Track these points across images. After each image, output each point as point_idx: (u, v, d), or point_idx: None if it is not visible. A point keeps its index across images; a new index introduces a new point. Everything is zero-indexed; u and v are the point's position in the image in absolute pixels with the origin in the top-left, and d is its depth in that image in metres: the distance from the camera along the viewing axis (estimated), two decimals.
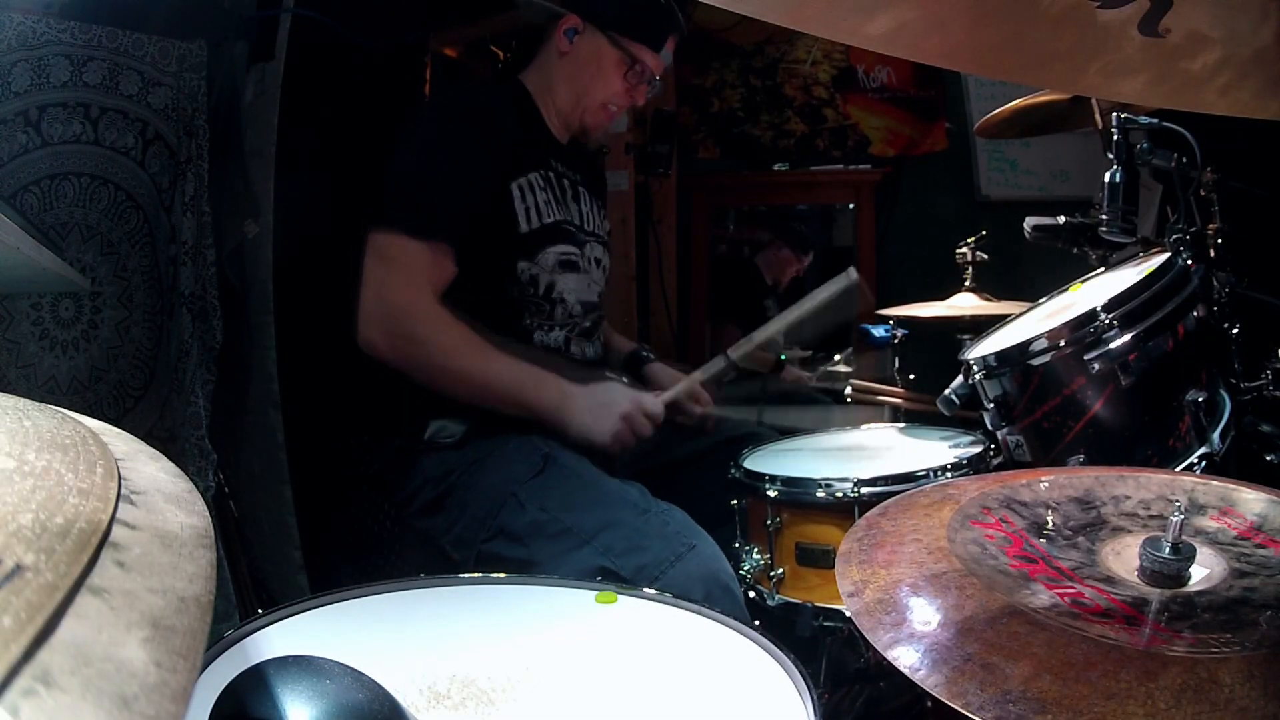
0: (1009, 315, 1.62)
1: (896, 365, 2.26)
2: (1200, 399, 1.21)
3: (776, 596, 1.48)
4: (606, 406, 1.51)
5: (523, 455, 1.50)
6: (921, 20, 0.45)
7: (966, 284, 2.16)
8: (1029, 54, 0.47)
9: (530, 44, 1.75)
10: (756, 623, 0.83)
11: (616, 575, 1.27)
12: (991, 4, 0.45)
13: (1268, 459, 1.28)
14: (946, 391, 1.50)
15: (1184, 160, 1.43)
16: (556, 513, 1.40)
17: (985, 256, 2.18)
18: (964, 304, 2.11)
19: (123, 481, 0.36)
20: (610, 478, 1.50)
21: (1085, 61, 0.47)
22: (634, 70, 1.66)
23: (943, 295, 2.16)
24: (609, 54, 1.65)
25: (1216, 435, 1.22)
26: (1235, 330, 1.37)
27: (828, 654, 1.55)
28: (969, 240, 2.18)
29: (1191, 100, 0.52)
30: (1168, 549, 0.71)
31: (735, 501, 1.59)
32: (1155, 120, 1.43)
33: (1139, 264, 1.44)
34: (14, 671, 0.23)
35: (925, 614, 0.69)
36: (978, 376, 1.38)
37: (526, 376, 1.51)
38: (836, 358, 3.11)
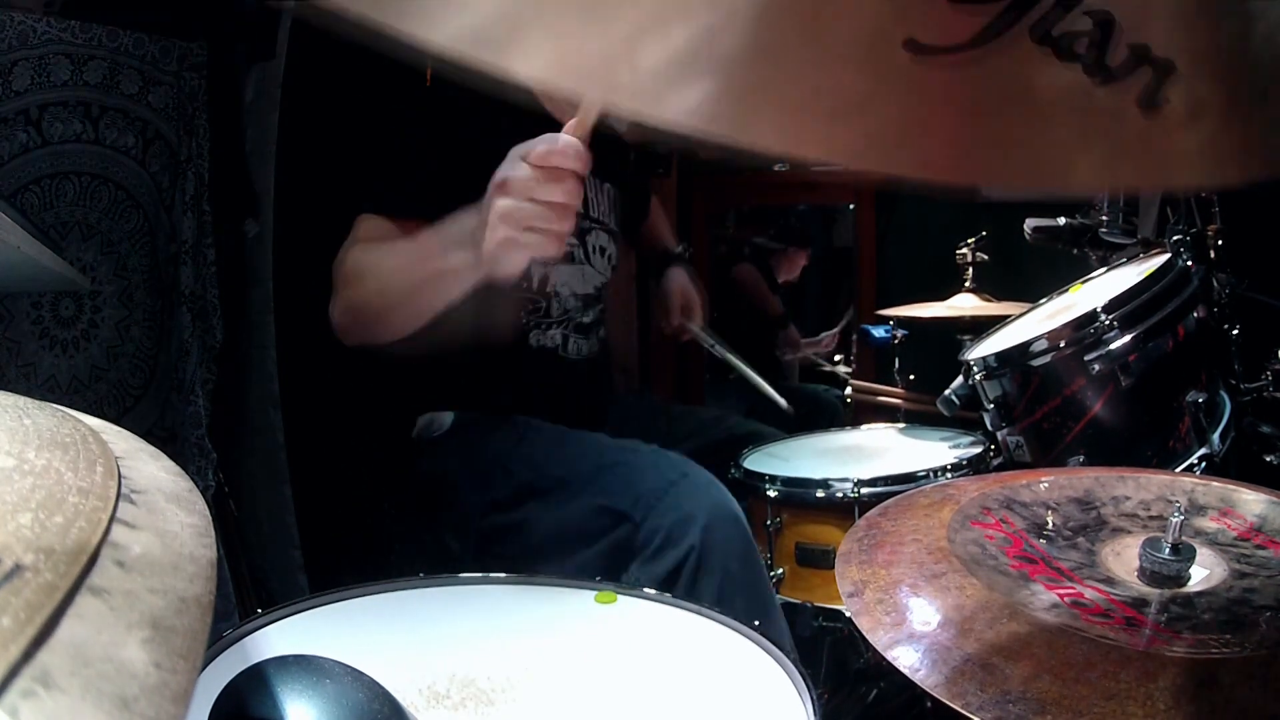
0: (1009, 316, 1.62)
1: (896, 365, 2.26)
2: (1200, 400, 1.21)
3: (776, 596, 1.48)
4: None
5: (503, 432, 1.49)
6: (898, 126, 0.39)
7: (966, 284, 2.16)
8: (1016, 153, 0.42)
9: None
10: (756, 623, 0.83)
11: (614, 511, 1.26)
12: (982, 95, 0.40)
13: (1268, 460, 1.28)
14: (946, 392, 1.50)
15: None
16: (546, 469, 1.38)
17: (985, 257, 2.18)
18: (964, 304, 2.11)
19: (123, 480, 0.36)
20: (594, 433, 1.49)
21: (1078, 153, 0.42)
22: None
23: (943, 296, 2.16)
24: None
25: (1216, 436, 1.22)
26: (1235, 331, 1.37)
27: (828, 654, 1.55)
28: (969, 241, 2.18)
29: (1173, 178, 0.50)
30: (1168, 550, 0.71)
31: None
32: None
33: (1139, 265, 1.43)
34: (13, 672, 0.23)
35: (925, 614, 0.68)
36: (978, 377, 1.38)
37: (438, 237, 1.22)
38: (837, 358, 3.12)
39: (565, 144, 0.97)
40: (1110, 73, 0.40)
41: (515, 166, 1.00)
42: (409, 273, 1.25)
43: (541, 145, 0.98)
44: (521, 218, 1.00)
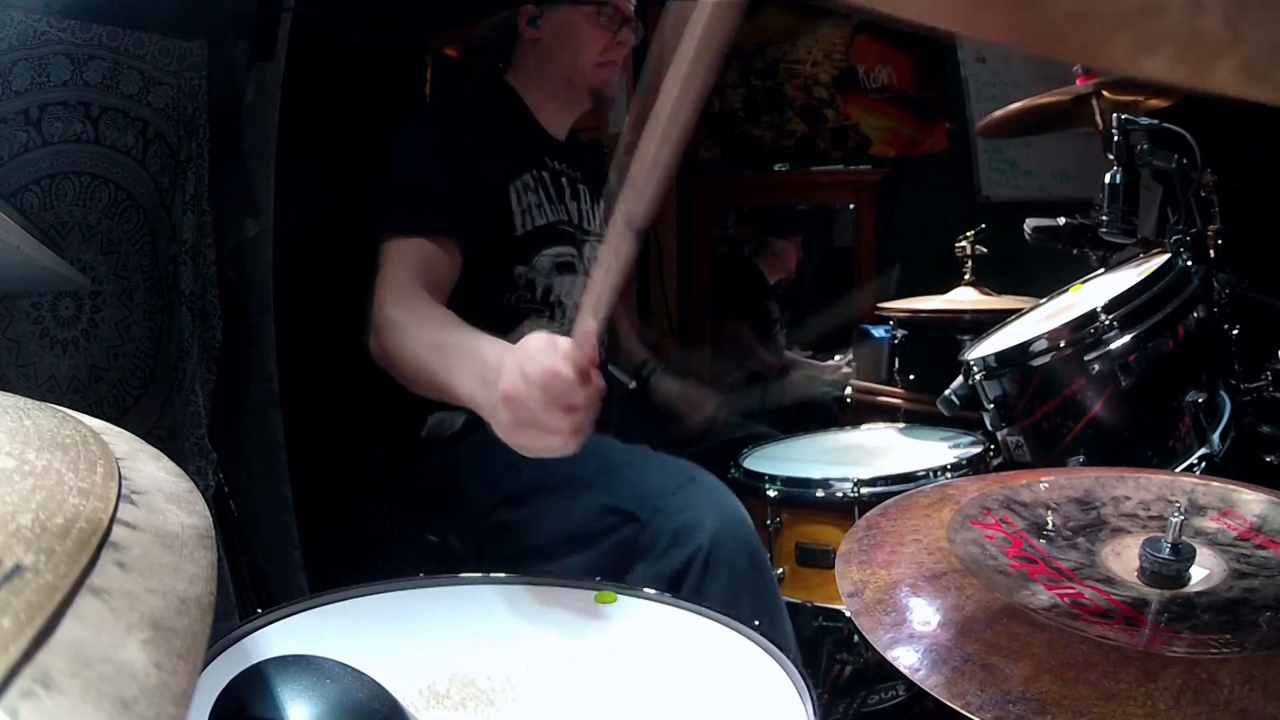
0: (1009, 314, 1.62)
1: (896, 365, 2.26)
2: (1200, 400, 1.21)
3: (783, 599, 1.48)
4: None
5: None
6: None
7: (966, 278, 2.16)
8: (1043, 17, 0.36)
9: (504, 47, 1.74)
10: (757, 623, 0.83)
11: (621, 510, 1.26)
12: None
13: (1268, 460, 1.28)
14: (946, 392, 1.50)
15: (1184, 161, 1.43)
16: (555, 467, 1.39)
17: (985, 250, 2.17)
18: (963, 298, 2.11)
19: (123, 481, 0.36)
20: (602, 435, 1.49)
21: (1111, 32, 0.36)
22: (605, 15, 1.64)
23: (942, 292, 2.16)
24: (574, 16, 1.64)
25: (1216, 436, 1.22)
26: (1235, 331, 1.37)
27: (828, 654, 1.55)
28: (968, 234, 2.18)
29: (1209, 79, 0.45)
30: (1167, 550, 0.71)
31: None
32: (1155, 121, 1.43)
33: (1139, 265, 1.44)
34: (13, 673, 0.23)
35: (925, 614, 0.68)
36: (978, 377, 1.38)
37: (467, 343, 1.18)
38: (837, 358, 3.11)
39: (565, 380, 0.89)
40: None
41: (520, 380, 0.93)
42: (428, 369, 1.21)
43: (542, 367, 0.90)
44: (529, 419, 0.94)
